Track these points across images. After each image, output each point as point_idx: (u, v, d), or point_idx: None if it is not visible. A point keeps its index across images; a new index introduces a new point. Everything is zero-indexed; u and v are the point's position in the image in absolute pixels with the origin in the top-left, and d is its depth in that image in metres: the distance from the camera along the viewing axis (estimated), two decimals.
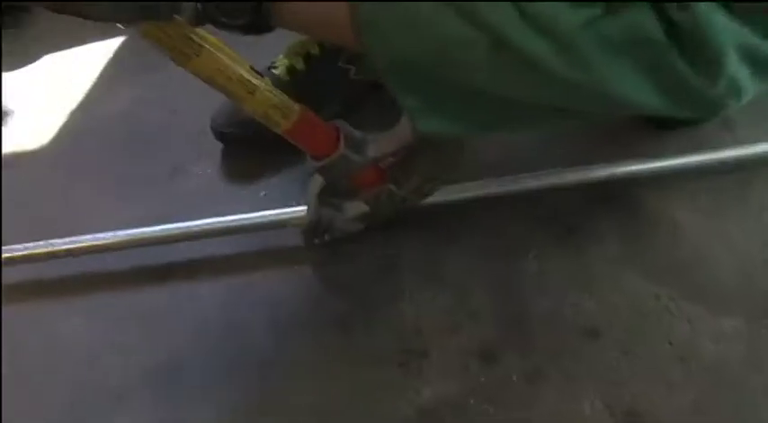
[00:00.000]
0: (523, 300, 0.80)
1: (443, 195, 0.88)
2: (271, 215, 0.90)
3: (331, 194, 0.85)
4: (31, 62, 1.40)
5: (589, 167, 0.89)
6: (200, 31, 0.64)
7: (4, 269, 0.91)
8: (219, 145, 1.07)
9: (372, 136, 0.80)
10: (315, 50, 1.06)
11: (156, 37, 0.62)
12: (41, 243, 0.92)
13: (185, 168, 1.06)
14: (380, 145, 0.80)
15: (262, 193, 0.99)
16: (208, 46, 0.65)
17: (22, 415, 0.78)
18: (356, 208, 0.86)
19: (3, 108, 1.28)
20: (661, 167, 0.90)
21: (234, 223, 0.90)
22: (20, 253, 0.91)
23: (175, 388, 0.79)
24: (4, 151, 1.17)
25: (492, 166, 0.94)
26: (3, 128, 1.24)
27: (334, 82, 1.08)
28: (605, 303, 0.78)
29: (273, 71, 1.06)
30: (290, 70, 1.05)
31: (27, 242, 0.92)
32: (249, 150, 1.06)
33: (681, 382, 0.72)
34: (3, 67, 1.38)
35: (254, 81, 0.68)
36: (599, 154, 0.93)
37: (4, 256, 0.91)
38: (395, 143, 0.80)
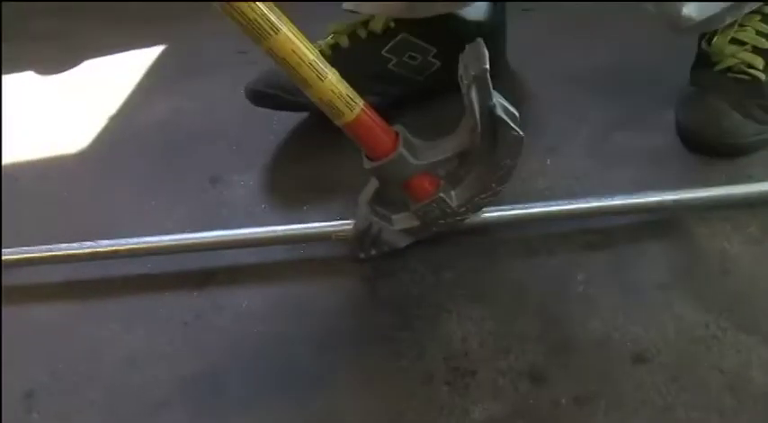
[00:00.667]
0: (571, 323, 0.79)
1: (489, 214, 0.88)
2: (315, 226, 0.90)
3: (381, 204, 0.85)
4: (71, 67, 1.41)
5: (638, 194, 0.89)
6: (278, 10, 0.66)
7: (46, 269, 0.91)
8: (260, 157, 1.08)
9: (427, 142, 0.80)
10: (362, 33, 1.08)
11: (238, 13, 0.63)
12: (76, 244, 0.91)
13: (225, 179, 1.06)
14: (435, 151, 0.80)
15: (304, 207, 0.99)
16: (285, 26, 0.66)
17: (58, 420, 0.77)
18: (406, 220, 0.85)
19: None
20: (708, 197, 0.89)
21: (278, 233, 0.90)
22: (58, 253, 0.91)
23: (215, 399, 0.77)
24: (44, 154, 1.17)
25: (541, 191, 0.95)
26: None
27: (374, 67, 1.10)
28: (653, 329, 0.77)
29: (318, 42, 1.07)
30: (334, 47, 1.06)
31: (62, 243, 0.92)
32: (287, 154, 1.08)
33: (731, 411, 0.70)
34: (44, 71, 1.39)
35: (325, 68, 0.70)
36: (648, 182, 0.93)
37: (43, 255, 0.91)
38: (450, 150, 0.80)
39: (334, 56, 1.06)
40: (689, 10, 0.93)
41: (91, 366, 0.83)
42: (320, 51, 1.03)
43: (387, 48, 1.09)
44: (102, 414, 0.78)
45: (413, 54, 1.12)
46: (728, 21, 0.97)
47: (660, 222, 0.89)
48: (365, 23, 1.10)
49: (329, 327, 0.83)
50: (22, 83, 1.41)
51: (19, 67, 1.45)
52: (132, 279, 0.93)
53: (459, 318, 0.81)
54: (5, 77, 1.42)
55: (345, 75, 0.76)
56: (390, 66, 1.11)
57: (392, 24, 1.09)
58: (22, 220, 1.02)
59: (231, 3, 0.63)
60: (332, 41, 1.08)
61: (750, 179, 0.93)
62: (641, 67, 1.18)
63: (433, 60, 1.13)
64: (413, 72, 1.13)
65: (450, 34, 1.09)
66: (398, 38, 1.10)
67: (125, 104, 1.28)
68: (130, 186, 1.08)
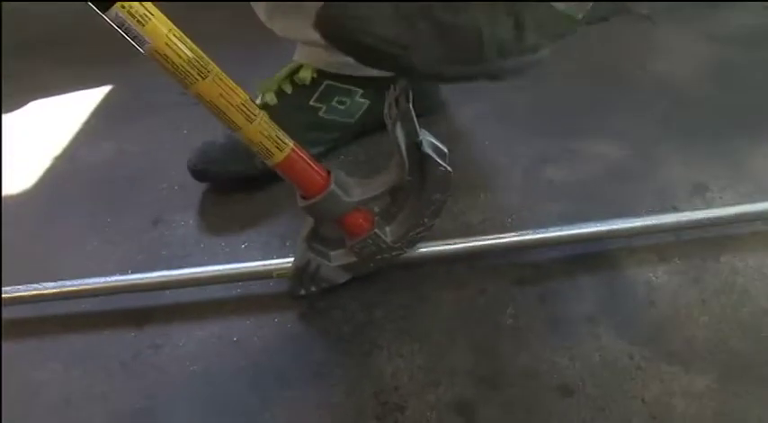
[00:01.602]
0: (500, 356, 0.81)
1: (423, 250, 0.90)
2: (256, 265, 0.91)
3: (319, 241, 0.86)
4: (17, 108, 1.41)
5: (570, 226, 0.92)
6: (206, 57, 0.67)
7: None
8: (200, 197, 1.09)
9: (360, 180, 0.81)
10: (288, 88, 1.09)
11: (164, 58, 0.65)
12: (20, 287, 0.92)
13: (166, 219, 1.07)
14: (367, 188, 0.82)
15: (242, 245, 1.00)
16: (212, 72, 0.67)
17: None
18: (343, 257, 0.87)
19: None
20: (636, 227, 0.92)
21: (220, 272, 0.91)
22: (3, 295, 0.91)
23: None
24: None
25: (474, 226, 0.97)
26: None
27: (304, 119, 1.11)
28: (580, 361, 0.79)
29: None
30: (263, 106, 1.08)
31: (5, 286, 0.92)
32: (228, 195, 1.08)
33: None
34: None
35: (254, 110, 0.71)
36: (578, 214, 0.96)
37: None
38: (381, 187, 0.82)
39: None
40: None
41: (26, 408, 0.83)
42: None
43: (314, 97, 1.11)
44: None
45: (340, 99, 1.13)
46: None
47: (589, 255, 0.92)
48: (290, 78, 1.11)
49: (263, 364, 0.84)
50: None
51: None
52: (72, 319, 0.92)
53: (389, 353, 0.82)
54: None
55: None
56: (321, 114, 1.12)
57: (315, 75, 1.10)
58: None
59: (158, 49, 0.65)
60: (260, 102, 1.09)
61: (675, 210, 0.96)
62: (569, 103, 1.21)
63: (362, 100, 1.14)
64: (344, 116, 1.14)
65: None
66: (323, 86, 1.11)
67: (70, 145, 1.28)
68: (73, 227, 1.08)
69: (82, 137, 1.30)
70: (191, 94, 0.69)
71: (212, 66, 0.68)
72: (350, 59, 0.73)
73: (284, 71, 1.11)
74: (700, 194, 0.99)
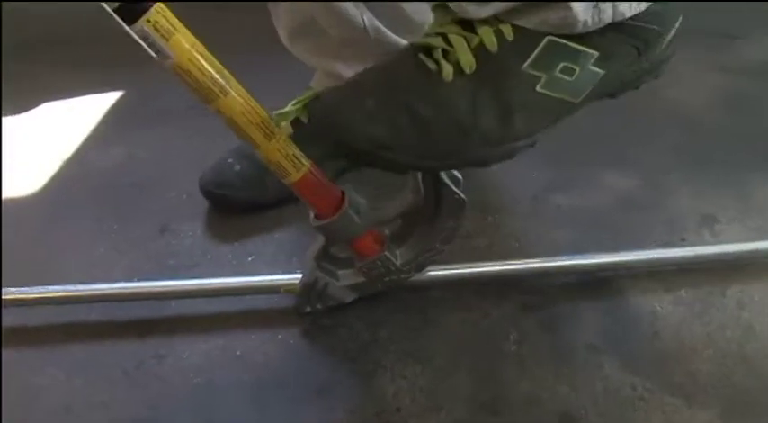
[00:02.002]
0: (502, 382, 0.81)
1: (430, 273, 0.90)
2: (263, 280, 0.91)
3: (328, 260, 0.86)
4: (29, 109, 1.41)
5: (577, 255, 0.92)
6: (227, 72, 0.67)
7: None
8: (208, 207, 1.09)
9: (373, 203, 0.82)
10: (304, 118, 1.09)
11: (187, 74, 0.65)
12: (24, 289, 0.91)
13: (174, 228, 1.07)
14: (380, 212, 0.82)
15: (249, 258, 1.00)
16: (234, 89, 0.68)
17: None
18: (352, 276, 0.87)
19: None
20: (643, 260, 0.92)
21: (225, 285, 0.91)
22: (6, 296, 0.90)
23: None
24: None
25: (481, 250, 0.97)
26: None
27: (318, 152, 1.09)
28: (582, 390, 0.79)
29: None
30: (294, 122, 1.07)
31: (8, 287, 0.91)
32: (234, 213, 1.07)
33: None
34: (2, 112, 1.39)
35: (273, 128, 0.71)
36: (585, 242, 0.96)
37: None
38: (394, 211, 0.82)
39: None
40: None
41: (25, 413, 0.83)
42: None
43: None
44: None
45: None
46: None
47: (595, 283, 0.92)
48: (307, 109, 1.10)
49: (266, 379, 0.84)
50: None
51: None
52: (75, 326, 0.92)
53: (392, 374, 0.82)
54: None
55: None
56: None
57: None
58: None
59: (181, 65, 0.64)
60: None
61: (683, 243, 0.96)
62: (580, 130, 1.20)
63: None
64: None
65: None
66: None
67: (79, 149, 1.28)
68: (80, 233, 1.08)
69: (91, 141, 1.30)
70: (211, 110, 0.69)
71: (234, 82, 0.68)
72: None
73: (301, 101, 1.11)
74: (708, 226, 0.99)
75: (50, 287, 0.91)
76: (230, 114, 0.68)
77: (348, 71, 1.05)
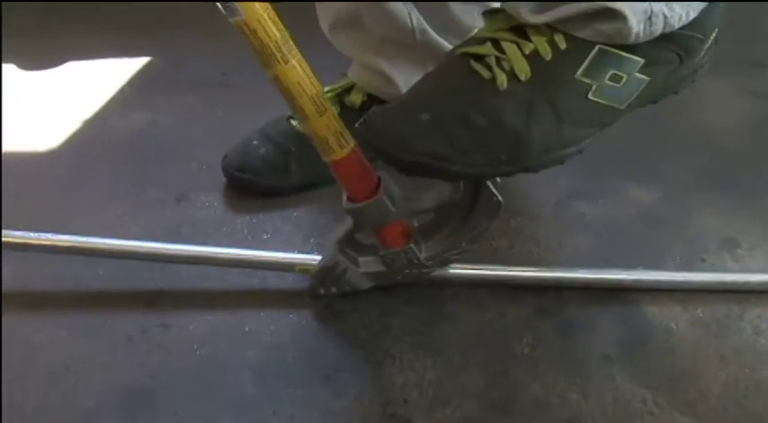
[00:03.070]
0: (513, 383, 0.79)
1: (449, 269, 0.89)
2: (278, 256, 0.90)
3: (351, 245, 0.85)
4: (53, 66, 1.40)
5: (596, 270, 0.92)
6: (292, 42, 0.67)
7: None
8: (228, 181, 1.08)
9: (407, 192, 0.81)
10: (336, 108, 1.08)
11: (252, 33, 0.65)
12: (33, 234, 0.90)
13: (191, 197, 1.06)
14: (414, 203, 0.81)
15: (265, 235, 0.99)
16: (295, 58, 0.68)
17: None
18: (372, 264, 0.86)
19: None
20: (663, 281, 0.92)
21: (239, 256, 0.90)
22: (10, 239, 0.89)
23: (146, 414, 0.77)
24: (11, 149, 1.16)
25: (501, 251, 0.96)
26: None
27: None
28: (592, 399, 0.78)
29: (291, 121, 1.07)
30: None
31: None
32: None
33: None
34: (25, 67, 1.38)
35: (325, 103, 0.71)
36: (604, 254, 0.95)
37: None
38: (428, 203, 0.82)
39: None
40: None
41: (24, 369, 0.82)
42: (293, 128, 1.06)
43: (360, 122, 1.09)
44: (29, 417, 0.77)
45: None
46: None
47: (612, 293, 0.91)
48: (339, 98, 1.09)
49: (272, 358, 0.83)
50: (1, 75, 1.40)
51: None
52: (82, 285, 0.92)
53: (402, 365, 0.81)
54: None
55: None
56: None
57: (365, 98, 1.08)
58: None
59: (248, 23, 0.64)
60: None
61: (703, 262, 0.95)
62: (609, 144, 1.20)
63: None
64: None
65: None
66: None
67: (101, 110, 1.27)
68: (95, 193, 1.07)
69: (114, 104, 1.30)
70: (268, 76, 0.69)
71: (296, 52, 0.68)
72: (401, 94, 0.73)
73: (335, 90, 1.09)
74: (729, 250, 0.98)
75: (60, 236, 0.90)
76: (287, 83, 0.68)
77: (389, 67, 1.04)
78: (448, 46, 1.01)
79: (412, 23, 1.00)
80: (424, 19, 1.01)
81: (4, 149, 1.17)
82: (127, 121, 1.23)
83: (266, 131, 1.08)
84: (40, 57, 1.43)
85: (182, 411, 0.77)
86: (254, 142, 1.07)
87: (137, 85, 1.35)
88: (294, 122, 1.07)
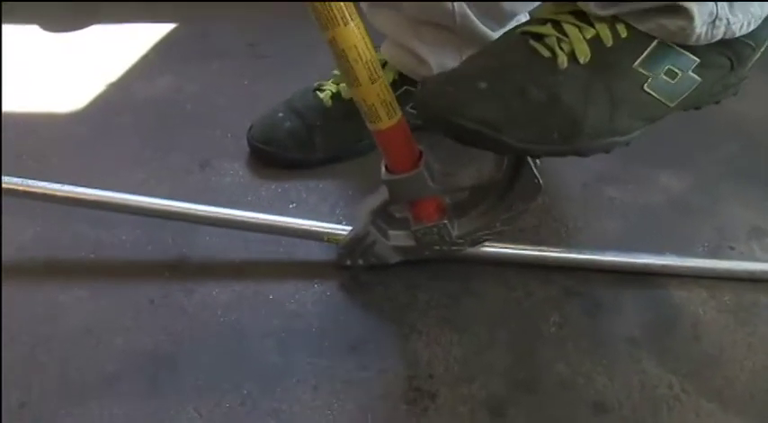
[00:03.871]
0: (539, 362, 0.79)
1: (479, 248, 0.88)
2: (307, 224, 0.89)
3: (383, 217, 0.84)
4: (78, 29, 1.39)
5: (625, 253, 0.91)
6: (353, 6, 0.67)
7: (15, 223, 0.91)
8: None
9: (446, 168, 0.80)
10: None
11: None
12: (56, 185, 0.89)
13: (215, 164, 1.05)
14: (453, 179, 0.80)
15: (291, 205, 0.98)
16: (354, 21, 0.67)
17: (9, 382, 0.76)
18: (403, 238, 0.85)
19: None
20: (694, 267, 0.91)
21: (267, 221, 0.89)
22: (34, 189, 0.89)
23: (166, 378, 0.77)
24: (35, 109, 1.16)
25: (529, 229, 0.95)
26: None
27: None
28: (618, 381, 0.77)
29: (318, 93, 1.06)
30: (335, 96, 1.05)
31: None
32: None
33: None
34: (49, 28, 1.37)
35: (378, 71, 0.70)
36: (632, 238, 0.95)
37: (17, 187, 0.88)
38: (467, 180, 0.81)
39: (335, 107, 1.06)
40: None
41: (46, 329, 0.82)
42: (320, 102, 1.05)
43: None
44: (53, 379, 0.77)
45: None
46: None
47: (640, 276, 0.90)
48: None
49: (296, 327, 0.82)
50: (25, 36, 1.39)
51: (24, 19, 1.43)
52: (105, 246, 0.92)
53: (428, 340, 0.81)
54: (8, 27, 1.40)
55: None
56: None
57: (396, 77, 1.07)
58: None
59: None
60: (334, 91, 1.07)
61: (731, 250, 0.94)
62: None
63: None
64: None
65: None
66: (401, 91, 1.06)
67: (126, 75, 1.26)
68: (119, 157, 1.06)
69: (139, 69, 1.29)
70: (325, 38, 0.68)
71: (357, 17, 0.67)
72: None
73: None
74: (758, 238, 0.97)
75: (84, 189, 0.89)
76: (343, 46, 0.67)
77: (424, 49, 1.03)
78: (487, 31, 1.01)
79: (453, 7, 0.99)
80: (467, 4, 1.00)
81: (27, 110, 1.17)
82: (151, 87, 1.22)
83: (292, 104, 1.07)
84: (64, 18, 1.42)
85: (204, 377, 0.77)
86: (280, 114, 1.06)
87: (162, 51, 1.34)
88: (321, 94, 1.06)
